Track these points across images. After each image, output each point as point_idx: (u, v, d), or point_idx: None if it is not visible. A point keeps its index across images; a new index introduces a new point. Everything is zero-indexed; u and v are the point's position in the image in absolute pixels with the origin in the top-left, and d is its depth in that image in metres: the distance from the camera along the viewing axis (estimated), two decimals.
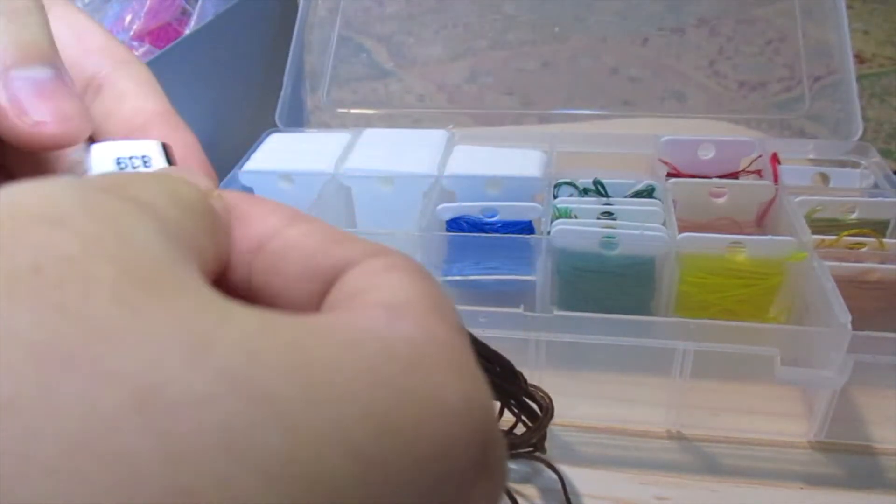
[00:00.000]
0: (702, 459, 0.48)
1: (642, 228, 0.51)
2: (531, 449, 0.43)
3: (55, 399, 0.11)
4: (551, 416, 0.42)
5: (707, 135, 0.64)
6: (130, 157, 0.23)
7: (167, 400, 0.11)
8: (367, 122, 0.78)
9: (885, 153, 0.80)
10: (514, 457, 0.40)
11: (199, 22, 0.71)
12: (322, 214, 0.58)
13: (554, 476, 0.45)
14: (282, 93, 0.74)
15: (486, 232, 0.56)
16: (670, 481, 0.46)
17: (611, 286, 0.53)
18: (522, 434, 0.41)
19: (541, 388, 0.43)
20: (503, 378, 0.40)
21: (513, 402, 0.42)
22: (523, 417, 0.42)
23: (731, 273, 0.51)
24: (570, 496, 0.45)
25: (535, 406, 0.42)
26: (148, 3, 0.69)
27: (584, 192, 0.59)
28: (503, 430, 0.44)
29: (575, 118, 0.74)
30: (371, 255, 0.17)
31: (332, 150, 0.65)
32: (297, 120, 0.77)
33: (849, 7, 0.67)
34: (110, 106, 0.24)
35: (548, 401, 0.42)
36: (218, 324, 0.12)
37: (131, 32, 0.69)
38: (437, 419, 0.13)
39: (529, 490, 0.45)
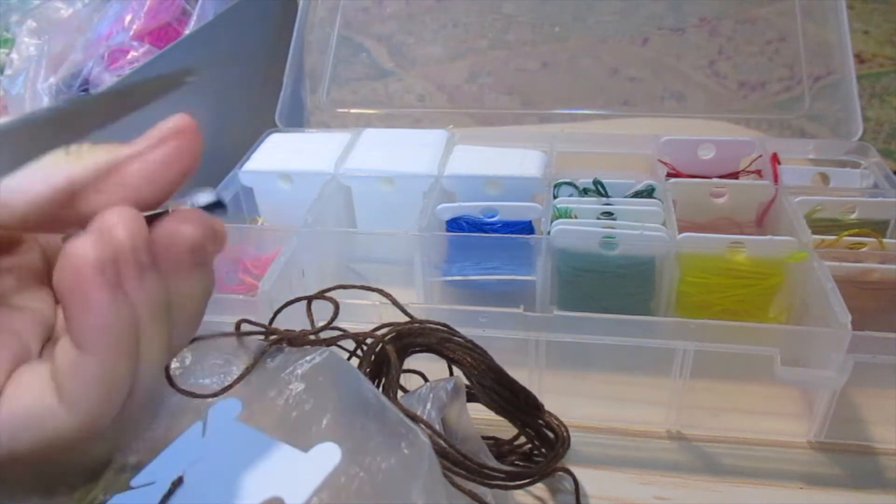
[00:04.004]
0: (702, 459, 0.48)
1: (642, 228, 0.51)
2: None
3: None
4: (568, 445, 0.42)
5: (707, 135, 0.64)
6: None
7: None
8: (367, 122, 0.78)
9: (885, 153, 0.80)
10: (535, 482, 0.41)
11: (199, 22, 0.71)
12: (322, 214, 0.58)
13: (560, 473, 0.45)
14: (282, 93, 0.74)
15: (486, 232, 0.56)
16: (670, 481, 0.46)
17: (611, 286, 0.53)
18: (540, 464, 0.41)
19: (556, 417, 0.43)
20: (522, 409, 0.41)
21: (529, 430, 0.42)
22: (536, 442, 0.43)
23: (731, 273, 0.51)
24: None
25: (550, 434, 0.42)
26: (148, 3, 0.69)
27: (584, 192, 0.59)
28: (524, 456, 0.45)
29: (575, 118, 0.74)
30: None
31: (332, 150, 0.65)
32: (297, 120, 0.77)
33: (849, 7, 0.67)
34: None
35: (564, 431, 0.43)
36: None
37: (131, 32, 0.69)
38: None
39: (538, 489, 0.45)
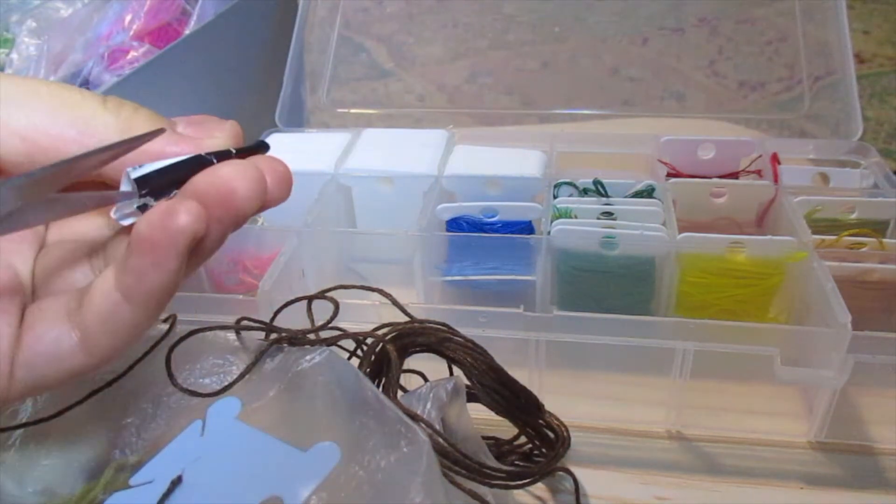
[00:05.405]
0: (702, 459, 0.48)
1: (642, 228, 0.51)
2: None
3: None
4: (568, 445, 0.42)
5: (707, 135, 0.64)
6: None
7: None
8: (367, 122, 0.78)
9: (885, 153, 0.80)
10: (535, 482, 0.41)
11: (199, 22, 0.71)
12: (322, 214, 0.58)
13: (560, 473, 0.45)
14: (282, 93, 0.74)
15: (486, 232, 0.56)
16: (670, 481, 0.46)
17: (611, 286, 0.53)
18: (540, 464, 0.41)
19: (556, 417, 0.43)
20: (522, 409, 0.41)
21: (529, 429, 0.42)
22: (536, 442, 0.43)
23: (731, 273, 0.51)
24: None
25: (551, 434, 0.42)
26: (148, 3, 0.69)
27: (584, 192, 0.59)
28: (523, 456, 0.45)
29: (575, 118, 0.74)
30: None
31: (332, 150, 0.64)
32: (297, 120, 0.77)
33: (849, 7, 0.67)
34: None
35: (564, 431, 0.43)
36: None
37: (131, 32, 0.69)
38: None
39: (538, 489, 0.45)
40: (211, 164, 0.25)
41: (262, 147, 0.28)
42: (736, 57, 0.75)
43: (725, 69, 0.76)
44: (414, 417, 0.33)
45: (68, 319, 0.25)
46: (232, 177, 0.24)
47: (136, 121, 0.25)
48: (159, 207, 0.23)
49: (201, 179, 0.24)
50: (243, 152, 0.27)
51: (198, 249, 0.24)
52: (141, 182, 0.24)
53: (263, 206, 0.26)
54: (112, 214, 0.24)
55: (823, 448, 0.48)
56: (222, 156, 0.26)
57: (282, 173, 0.28)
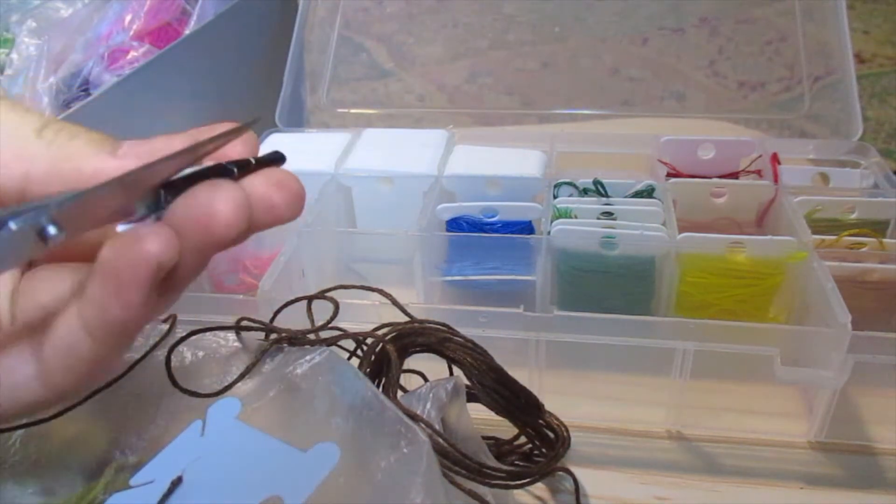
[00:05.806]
0: (702, 459, 0.48)
1: (642, 228, 0.51)
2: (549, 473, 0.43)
3: None
4: (568, 445, 0.42)
5: (707, 135, 0.64)
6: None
7: None
8: (367, 122, 0.78)
9: (885, 153, 0.80)
10: (535, 482, 0.40)
11: (199, 22, 0.71)
12: (322, 214, 0.58)
13: (560, 473, 0.45)
14: (282, 93, 0.74)
15: (486, 232, 0.56)
16: (670, 481, 0.46)
17: (611, 286, 0.53)
18: (540, 464, 0.41)
19: (556, 417, 0.43)
20: (522, 409, 0.41)
21: (529, 430, 0.42)
22: (536, 442, 0.43)
23: (731, 273, 0.51)
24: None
25: (551, 434, 0.42)
26: (148, 3, 0.69)
27: (584, 192, 0.59)
28: (524, 456, 0.45)
29: (575, 118, 0.74)
30: None
31: (332, 150, 0.64)
32: (297, 120, 0.77)
33: (849, 7, 0.67)
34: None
35: (564, 431, 0.43)
36: None
37: (131, 32, 0.69)
38: None
39: (538, 489, 0.45)
40: (232, 173, 0.23)
41: (280, 160, 0.26)
42: (736, 57, 0.75)
43: (725, 69, 0.76)
44: (414, 417, 0.33)
45: (30, 348, 0.23)
46: (210, 201, 0.21)
47: (71, 149, 0.22)
48: (129, 231, 0.21)
49: (177, 203, 0.22)
50: (262, 163, 0.25)
51: (172, 279, 0.22)
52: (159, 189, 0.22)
53: (272, 224, 0.24)
54: (119, 227, 0.22)
55: (823, 448, 0.48)
56: (242, 165, 0.24)
57: (295, 190, 0.25)
